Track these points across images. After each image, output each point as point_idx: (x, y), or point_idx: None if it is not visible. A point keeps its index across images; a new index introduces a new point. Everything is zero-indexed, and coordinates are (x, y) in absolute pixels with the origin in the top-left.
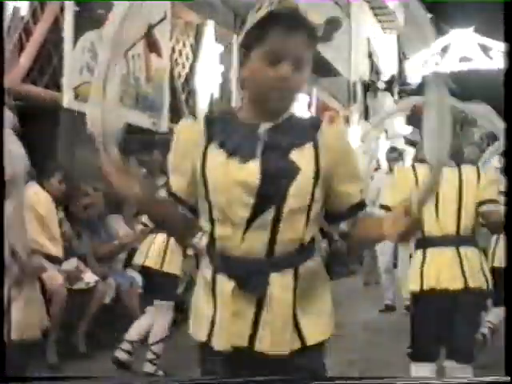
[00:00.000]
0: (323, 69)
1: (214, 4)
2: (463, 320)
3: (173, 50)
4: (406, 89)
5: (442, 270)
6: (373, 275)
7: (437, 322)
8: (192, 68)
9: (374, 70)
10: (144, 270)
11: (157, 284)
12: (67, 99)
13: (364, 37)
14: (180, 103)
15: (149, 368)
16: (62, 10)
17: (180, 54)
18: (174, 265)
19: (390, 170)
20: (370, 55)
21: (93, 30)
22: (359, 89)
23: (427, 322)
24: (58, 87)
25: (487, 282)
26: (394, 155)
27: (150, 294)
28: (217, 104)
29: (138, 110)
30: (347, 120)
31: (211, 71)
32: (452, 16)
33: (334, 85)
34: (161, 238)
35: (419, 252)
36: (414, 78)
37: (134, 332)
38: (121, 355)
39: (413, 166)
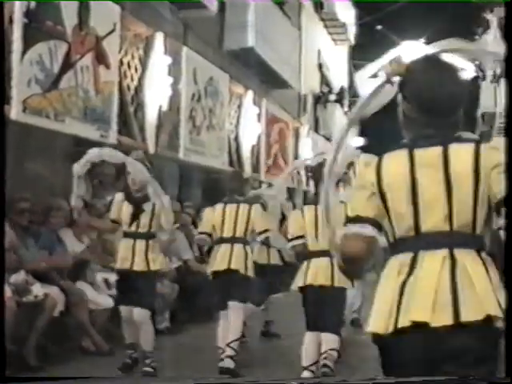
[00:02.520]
0: (273, 81)
1: (164, 16)
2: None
3: (121, 62)
4: (356, 100)
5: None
6: None
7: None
8: (141, 80)
9: (325, 81)
10: (228, 276)
11: (238, 286)
12: (15, 112)
13: (314, 48)
14: (129, 116)
15: (229, 363)
16: (11, 21)
17: (129, 66)
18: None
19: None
20: (321, 67)
21: (42, 43)
22: (310, 101)
23: None
24: (5, 99)
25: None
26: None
27: (225, 297)
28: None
29: (87, 123)
30: (297, 132)
31: (160, 83)
32: (402, 28)
33: (284, 97)
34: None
35: None
36: (364, 90)
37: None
38: (228, 363)
39: None
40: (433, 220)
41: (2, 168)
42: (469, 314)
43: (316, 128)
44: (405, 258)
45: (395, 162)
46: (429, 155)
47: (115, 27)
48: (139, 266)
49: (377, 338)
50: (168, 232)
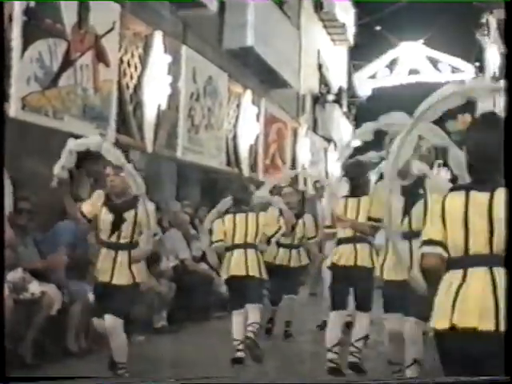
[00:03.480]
0: (272, 80)
1: (163, 14)
2: None
3: (121, 60)
4: (355, 101)
5: None
6: (319, 286)
7: None
8: (140, 79)
9: (324, 82)
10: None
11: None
12: (14, 109)
13: (314, 49)
14: (127, 114)
15: (353, 359)
16: (10, 19)
17: (128, 64)
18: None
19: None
20: (320, 67)
21: (41, 40)
22: (308, 101)
23: None
24: (5, 97)
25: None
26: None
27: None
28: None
29: (85, 121)
30: (296, 132)
31: (159, 82)
32: (401, 29)
33: (283, 96)
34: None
35: None
36: (363, 91)
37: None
38: (354, 359)
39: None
40: (477, 245)
41: (1, 166)
42: (502, 324)
43: (314, 128)
44: (456, 273)
45: (455, 200)
46: (479, 198)
47: (115, 26)
48: (121, 279)
49: (436, 332)
50: (146, 241)
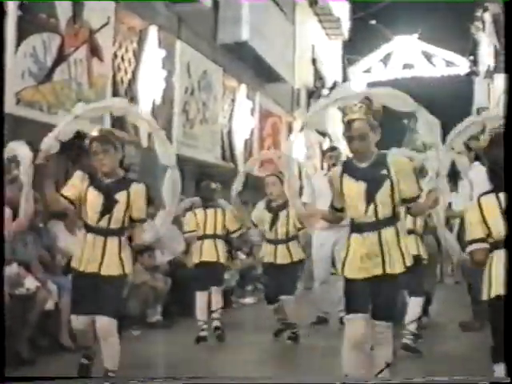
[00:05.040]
0: (267, 75)
1: (158, 9)
2: None
3: (115, 55)
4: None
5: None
6: (313, 280)
7: None
8: (134, 73)
9: (318, 76)
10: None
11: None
12: (8, 104)
13: (308, 43)
14: None
15: (406, 341)
16: (4, 14)
17: (122, 59)
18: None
19: (329, 170)
20: (315, 61)
21: (35, 35)
22: (303, 95)
23: None
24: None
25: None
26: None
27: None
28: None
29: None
30: (290, 126)
31: (154, 76)
32: (396, 23)
33: (277, 91)
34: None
35: None
36: (357, 85)
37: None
38: (410, 341)
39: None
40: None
41: (1, 164)
42: None
43: None
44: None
45: (491, 202)
46: (492, 201)
47: (109, 20)
48: (111, 269)
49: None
50: (161, 222)
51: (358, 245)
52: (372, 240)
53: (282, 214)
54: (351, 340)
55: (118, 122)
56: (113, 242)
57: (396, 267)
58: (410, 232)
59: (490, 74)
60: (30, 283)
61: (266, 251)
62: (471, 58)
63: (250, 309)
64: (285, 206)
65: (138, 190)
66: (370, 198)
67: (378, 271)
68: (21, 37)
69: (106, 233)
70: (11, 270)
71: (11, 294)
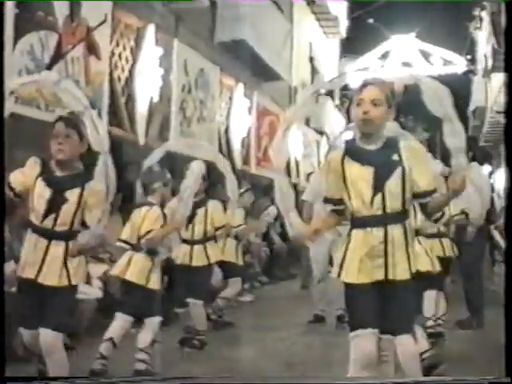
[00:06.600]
0: (265, 73)
1: (155, 7)
2: None
3: (112, 53)
4: (347, 94)
5: None
6: (311, 279)
7: None
8: (132, 71)
9: (316, 74)
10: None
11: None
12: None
13: (306, 41)
14: (119, 107)
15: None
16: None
17: (120, 57)
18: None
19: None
20: (312, 60)
21: (33, 33)
22: (300, 93)
23: None
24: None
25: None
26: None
27: None
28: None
29: None
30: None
31: (151, 74)
32: (394, 21)
33: (275, 89)
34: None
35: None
36: (355, 83)
37: None
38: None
39: None
40: None
41: (1, 164)
42: None
43: (307, 121)
44: None
45: None
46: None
47: (106, 18)
48: (49, 278)
49: None
50: (93, 230)
51: (359, 242)
52: (376, 237)
53: (200, 212)
54: (359, 361)
55: (116, 119)
56: (57, 247)
57: (399, 273)
58: (434, 235)
59: (487, 73)
60: None
61: (180, 252)
62: (469, 56)
63: None
64: (202, 202)
65: (95, 188)
66: (377, 186)
67: (379, 275)
68: (18, 34)
69: (50, 235)
70: (8, 267)
71: (7, 291)
